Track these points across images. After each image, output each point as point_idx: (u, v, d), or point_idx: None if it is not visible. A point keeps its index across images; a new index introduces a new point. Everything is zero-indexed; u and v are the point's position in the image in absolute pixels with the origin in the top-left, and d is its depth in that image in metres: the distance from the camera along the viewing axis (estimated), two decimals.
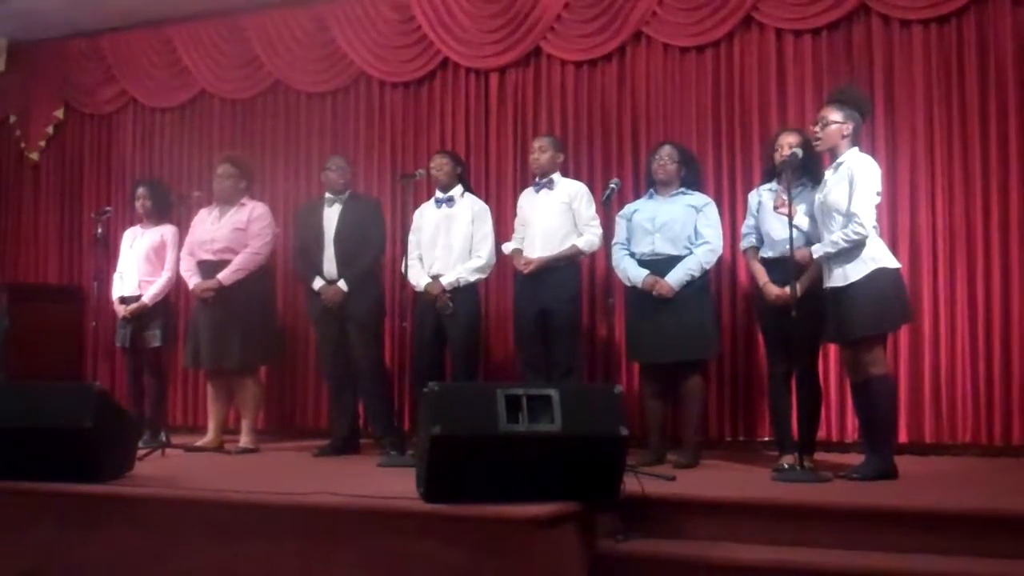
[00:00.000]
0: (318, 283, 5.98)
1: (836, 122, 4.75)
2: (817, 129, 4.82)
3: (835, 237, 4.61)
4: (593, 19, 6.52)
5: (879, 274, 4.59)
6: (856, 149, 4.79)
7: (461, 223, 5.88)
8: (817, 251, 4.70)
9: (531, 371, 5.63)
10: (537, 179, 5.84)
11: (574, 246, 5.65)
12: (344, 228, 6.01)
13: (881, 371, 4.66)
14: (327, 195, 6.15)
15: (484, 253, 5.85)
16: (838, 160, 4.76)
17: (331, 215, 6.08)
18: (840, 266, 4.63)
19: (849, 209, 4.60)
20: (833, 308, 4.69)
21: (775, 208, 5.02)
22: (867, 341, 4.61)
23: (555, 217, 5.70)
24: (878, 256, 4.63)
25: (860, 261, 4.59)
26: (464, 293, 5.81)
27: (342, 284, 5.92)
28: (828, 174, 4.81)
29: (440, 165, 6.03)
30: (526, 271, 5.62)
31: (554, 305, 5.58)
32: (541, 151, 5.79)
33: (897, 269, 4.73)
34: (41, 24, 7.79)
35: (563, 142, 6.20)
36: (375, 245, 6.04)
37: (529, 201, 5.86)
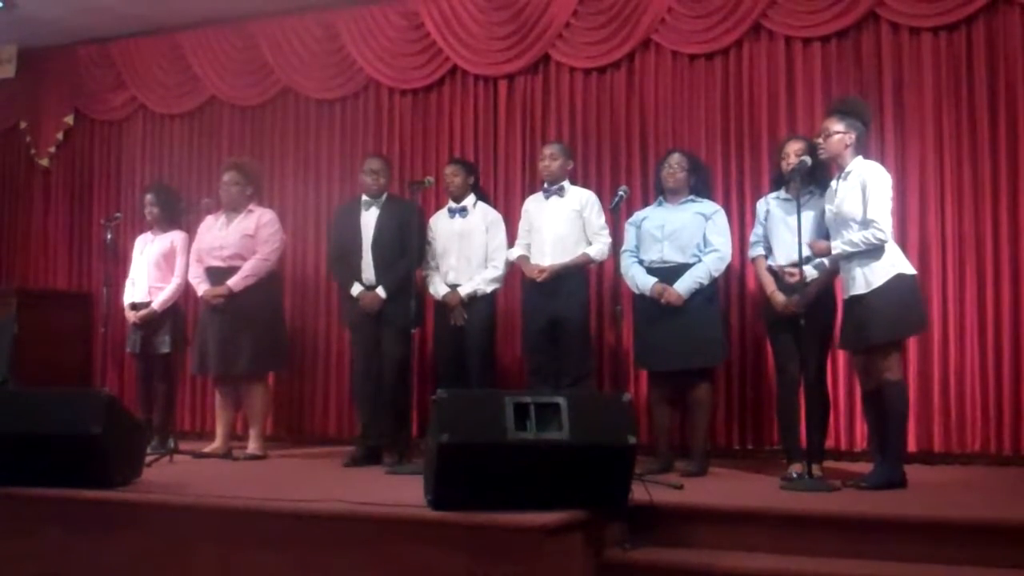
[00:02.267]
0: (356, 289, 5.88)
1: (838, 132, 4.78)
2: (820, 140, 4.85)
3: (855, 238, 4.62)
4: (602, 26, 6.52)
5: (899, 280, 4.62)
6: (861, 157, 4.80)
7: (476, 233, 5.91)
8: (836, 247, 4.69)
9: (539, 379, 5.62)
10: (547, 186, 5.84)
11: (585, 254, 5.65)
12: (383, 233, 5.88)
13: (896, 377, 4.67)
14: (364, 198, 6.01)
15: (500, 263, 5.88)
16: (846, 170, 4.77)
17: (368, 219, 5.95)
18: (861, 273, 4.64)
19: (866, 216, 4.62)
20: (853, 315, 4.69)
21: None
22: (885, 347, 4.62)
23: (566, 225, 5.70)
24: (897, 262, 4.66)
25: (881, 267, 4.61)
26: (481, 302, 5.84)
27: (380, 291, 5.84)
28: (835, 184, 4.83)
29: (452, 175, 6.04)
30: (540, 279, 5.61)
31: (565, 313, 5.59)
32: (552, 159, 5.79)
33: (914, 275, 4.76)
34: (51, 31, 7.81)
35: (571, 149, 6.20)
36: (414, 251, 5.81)
37: (537, 207, 5.86)
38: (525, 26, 6.71)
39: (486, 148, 6.85)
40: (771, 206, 5.22)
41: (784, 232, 5.04)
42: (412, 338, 5.87)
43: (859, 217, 4.64)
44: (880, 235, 4.59)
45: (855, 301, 4.68)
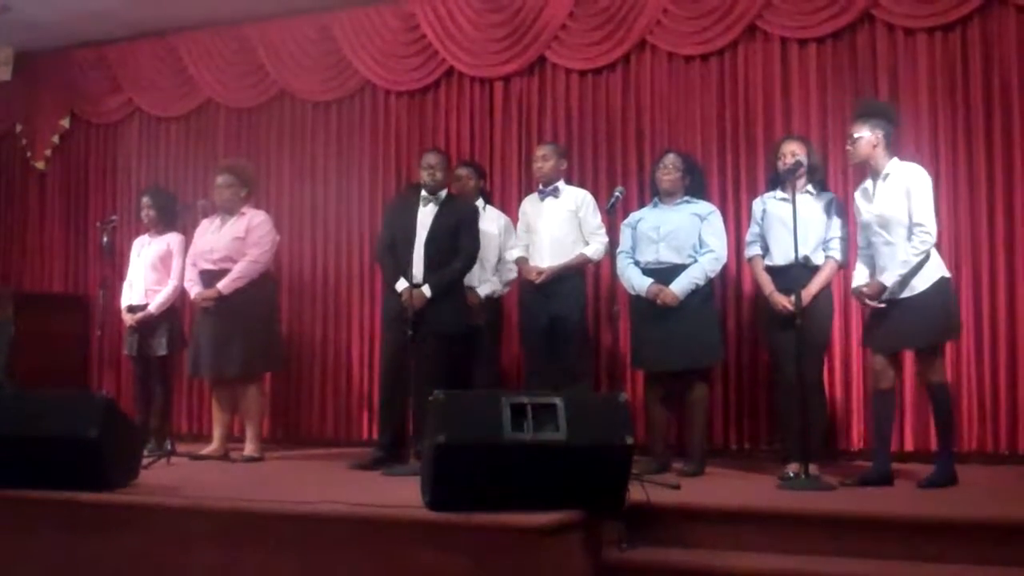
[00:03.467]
0: (401, 284, 5.59)
1: (863, 135, 4.80)
2: (848, 147, 4.88)
3: (905, 257, 4.65)
4: (598, 28, 6.53)
5: (942, 283, 4.70)
6: (897, 159, 4.84)
7: (489, 236, 5.93)
8: (890, 279, 4.68)
9: (537, 380, 5.62)
10: (541, 187, 5.85)
11: (582, 255, 5.66)
12: (438, 231, 5.63)
13: (943, 379, 4.77)
14: (423, 194, 5.73)
15: (514, 266, 5.95)
16: (883, 171, 4.79)
17: (425, 216, 5.68)
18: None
19: (913, 220, 4.66)
20: (892, 316, 4.71)
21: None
22: (930, 349, 4.71)
23: (562, 225, 5.71)
24: (939, 266, 4.74)
25: (927, 271, 4.67)
26: (495, 305, 5.96)
27: (426, 289, 5.55)
28: (871, 185, 4.85)
29: (467, 177, 6.09)
30: (537, 281, 5.62)
31: (563, 314, 5.60)
32: (544, 159, 5.80)
33: (951, 278, 4.82)
34: (47, 34, 7.80)
35: (568, 150, 6.21)
36: (466, 254, 5.67)
37: (534, 208, 5.87)
38: (521, 28, 6.72)
39: (482, 150, 6.86)
40: (768, 206, 5.22)
41: (782, 232, 5.04)
42: (457, 343, 5.66)
43: (904, 220, 4.68)
44: (928, 239, 4.64)
45: (896, 303, 4.69)
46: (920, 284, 4.66)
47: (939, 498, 4.34)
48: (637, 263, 5.42)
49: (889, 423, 4.87)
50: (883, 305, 4.73)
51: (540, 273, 5.62)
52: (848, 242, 5.13)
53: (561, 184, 5.85)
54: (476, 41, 6.86)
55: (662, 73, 6.42)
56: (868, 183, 4.89)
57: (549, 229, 5.73)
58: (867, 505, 4.11)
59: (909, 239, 4.67)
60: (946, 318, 4.73)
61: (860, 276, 4.89)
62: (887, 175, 4.79)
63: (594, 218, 5.71)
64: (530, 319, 5.74)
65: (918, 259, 4.64)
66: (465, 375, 5.76)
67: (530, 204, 5.93)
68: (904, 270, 4.65)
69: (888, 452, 4.83)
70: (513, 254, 5.91)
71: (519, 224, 5.97)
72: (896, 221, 4.72)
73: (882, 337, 4.82)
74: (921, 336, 4.69)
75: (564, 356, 5.63)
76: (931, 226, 4.66)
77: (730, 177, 6.20)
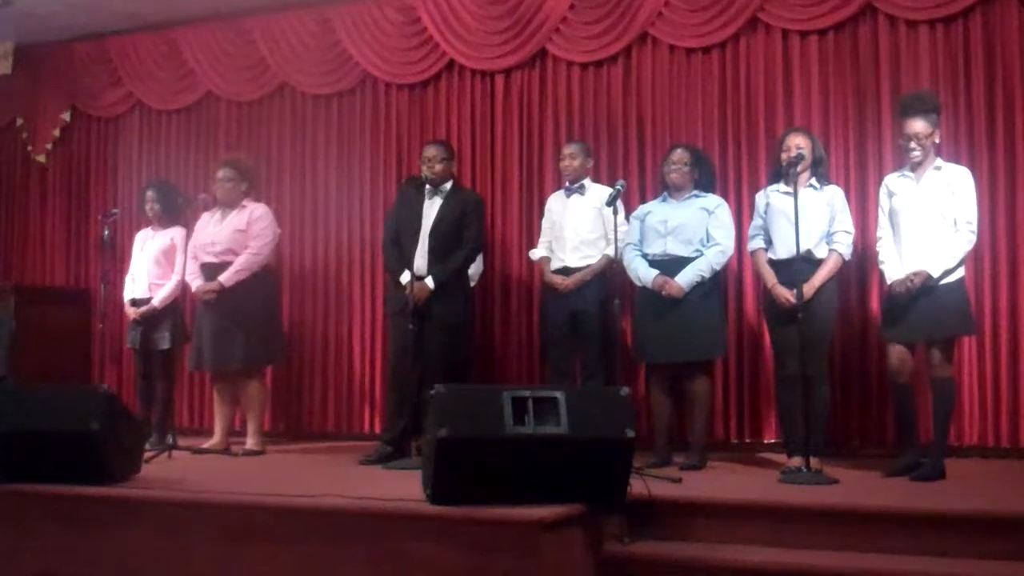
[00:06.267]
0: (406, 277, 5.52)
1: (929, 131, 4.87)
2: (912, 144, 4.88)
3: (955, 251, 4.75)
4: (599, 20, 6.51)
5: (961, 283, 4.81)
6: (940, 158, 4.95)
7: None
8: (937, 270, 4.74)
9: (558, 374, 5.69)
10: (568, 184, 5.86)
11: (606, 256, 5.63)
12: (442, 223, 5.64)
13: (950, 373, 4.84)
14: (427, 186, 5.72)
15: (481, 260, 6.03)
16: (935, 164, 4.88)
17: (430, 208, 5.68)
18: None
19: (964, 218, 4.76)
20: (913, 309, 4.76)
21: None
22: (948, 342, 4.79)
23: (587, 222, 5.73)
24: (963, 268, 4.83)
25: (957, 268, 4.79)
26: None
27: (429, 281, 5.57)
28: (914, 174, 4.90)
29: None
30: (564, 291, 5.65)
31: (584, 308, 5.61)
32: (572, 157, 5.83)
33: (965, 279, 4.91)
34: (47, 27, 7.80)
35: (590, 147, 6.15)
36: (469, 244, 5.70)
37: (559, 205, 5.89)
38: (522, 20, 6.70)
39: (483, 143, 6.84)
40: (771, 199, 5.21)
41: (784, 225, 5.02)
42: (468, 334, 5.73)
43: (947, 215, 4.78)
44: (973, 237, 4.78)
45: (916, 296, 4.74)
46: (948, 278, 4.75)
47: (939, 492, 4.35)
48: (645, 255, 5.41)
49: (912, 415, 4.93)
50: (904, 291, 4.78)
51: (566, 283, 5.65)
52: (853, 235, 5.13)
53: (587, 182, 5.86)
54: (477, 34, 6.84)
55: (663, 65, 6.40)
56: (909, 171, 4.93)
57: (574, 226, 5.75)
58: (868, 499, 4.11)
59: (949, 234, 4.76)
60: (961, 314, 4.81)
61: (891, 265, 4.91)
62: (939, 167, 4.87)
63: (619, 216, 5.66)
64: (552, 313, 5.76)
65: (963, 253, 4.76)
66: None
67: (556, 201, 5.95)
68: (952, 263, 4.74)
69: (915, 443, 4.88)
70: (536, 253, 5.92)
71: (544, 221, 5.99)
72: (940, 214, 4.79)
73: (902, 328, 4.84)
74: (939, 328, 4.75)
75: (584, 352, 5.67)
76: (975, 225, 4.78)
77: (731, 170, 6.18)
